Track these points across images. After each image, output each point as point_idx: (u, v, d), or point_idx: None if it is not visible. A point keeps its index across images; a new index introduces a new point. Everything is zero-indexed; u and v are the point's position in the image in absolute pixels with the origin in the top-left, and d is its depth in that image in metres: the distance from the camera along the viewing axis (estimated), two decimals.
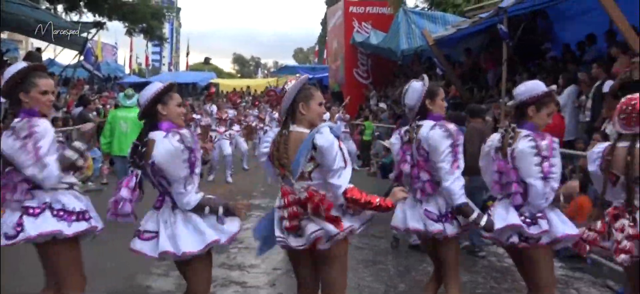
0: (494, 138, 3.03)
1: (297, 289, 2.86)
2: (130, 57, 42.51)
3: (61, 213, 2.65)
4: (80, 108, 10.70)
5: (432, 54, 12.76)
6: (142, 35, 21.14)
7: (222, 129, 10.20)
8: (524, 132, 2.88)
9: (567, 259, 5.16)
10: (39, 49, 13.83)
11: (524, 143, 2.82)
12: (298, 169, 2.57)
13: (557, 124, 6.80)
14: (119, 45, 40.77)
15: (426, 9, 15.84)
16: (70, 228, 2.65)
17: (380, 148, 11.22)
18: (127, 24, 18.04)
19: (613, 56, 7.26)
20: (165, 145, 2.58)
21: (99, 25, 14.07)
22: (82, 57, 12.30)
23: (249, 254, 5.16)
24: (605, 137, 5.95)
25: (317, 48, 45.04)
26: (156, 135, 2.65)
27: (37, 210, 2.60)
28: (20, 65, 2.81)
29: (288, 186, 2.62)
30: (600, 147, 3.05)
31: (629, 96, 2.96)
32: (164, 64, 54.52)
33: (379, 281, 4.48)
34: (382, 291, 4.27)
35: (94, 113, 11.16)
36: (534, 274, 2.93)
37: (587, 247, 2.98)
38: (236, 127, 10.92)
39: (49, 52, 15.29)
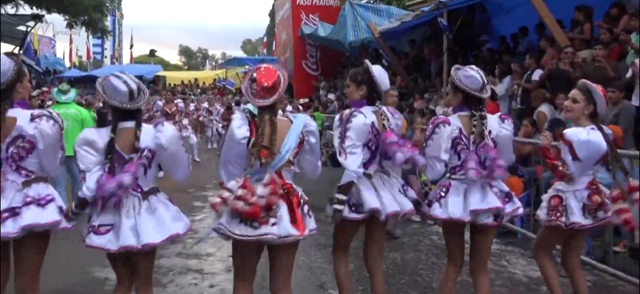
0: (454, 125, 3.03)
1: (237, 278, 2.78)
2: (70, 50, 40.82)
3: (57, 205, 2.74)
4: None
5: (378, 46, 13.18)
6: (83, 28, 20.41)
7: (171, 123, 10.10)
8: (496, 116, 3.11)
9: (500, 235, 5.64)
10: None
11: (509, 127, 3.09)
12: (287, 155, 2.67)
13: (492, 112, 7.30)
14: (58, 37, 39.07)
15: (371, 2, 16.22)
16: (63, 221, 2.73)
17: (330, 138, 11.52)
18: (67, 17, 17.39)
19: (542, 48, 7.85)
20: (174, 131, 2.78)
21: (37, 18, 13.61)
22: (21, 51, 11.84)
23: (204, 243, 5.32)
24: (534, 124, 6.50)
25: (265, 39, 44.92)
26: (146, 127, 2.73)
27: (43, 201, 2.67)
28: None
29: (271, 173, 2.60)
30: None
31: None
32: (106, 57, 52.58)
33: (330, 262, 4.74)
34: (331, 271, 4.53)
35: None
36: (488, 250, 3.17)
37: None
38: (185, 121, 10.92)
39: None
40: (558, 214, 3.15)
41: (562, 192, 3.18)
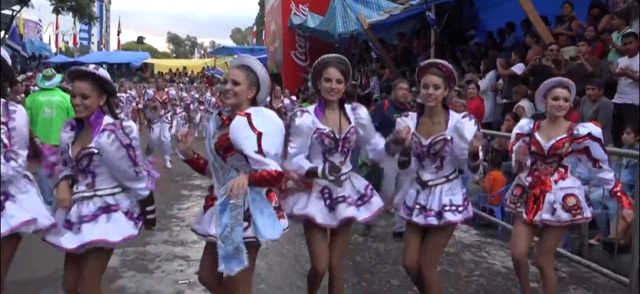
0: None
1: (202, 266, 2.84)
2: (56, 35, 40.29)
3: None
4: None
5: (368, 38, 13.25)
6: (70, 14, 20.16)
7: (162, 112, 9.67)
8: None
9: (481, 227, 5.78)
10: None
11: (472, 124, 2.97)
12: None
13: (477, 106, 7.44)
14: (44, 22, 38.56)
15: None
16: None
17: None
18: (54, 2, 17.21)
19: (528, 44, 7.97)
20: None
21: (23, 2, 13.46)
22: (7, 36, 11.70)
23: (190, 231, 5.36)
24: (516, 118, 6.62)
25: (255, 29, 44.65)
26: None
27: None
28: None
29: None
30: None
31: None
32: (93, 43, 52.01)
33: None
34: None
35: (22, 95, 10.74)
36: (443, 245, 3.18)
37: None
38: (178, 110, 10.70)
39: None
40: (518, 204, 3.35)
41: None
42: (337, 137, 2.95)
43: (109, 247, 2.70)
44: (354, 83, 14.10)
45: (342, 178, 2.98)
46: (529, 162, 3.29)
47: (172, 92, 10.19)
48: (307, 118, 2.92)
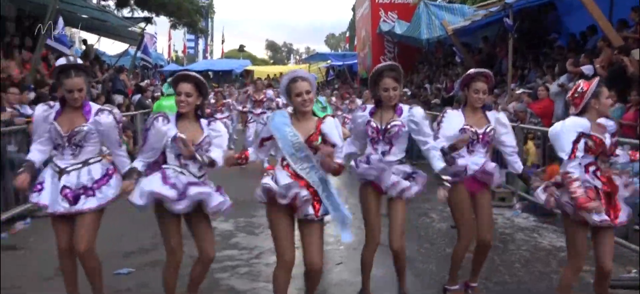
0: None
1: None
2: (169, 46, 44.64)
3: None
4: (138, 96, 12.35)
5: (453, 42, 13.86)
6: (185, 28, 22.79)
7: (258, 111, 10.22)
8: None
9: (541, 215, 6.37)
10: (85, 41, 15.53)
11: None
12: None
13: (546, 106, 7.96)
14: (158, 34, 42.88)
15: (446, 1, 16.87)
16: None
17: None
18: (172, 19, 19.79)
19: (599, 48, 8.29)
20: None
21: (147, 21, 15.74)
22: (140, 51, 13.86)
23: None
24: None
25: (348, 34, 46.05)
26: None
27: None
28: (59, 62, 3.41)
29: None
30: None
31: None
32: (198, 52, 56.36)
33: None
34: None
35: (149, 100, 12.76)
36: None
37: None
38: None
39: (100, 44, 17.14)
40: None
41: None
42: (380, 127, 3.59)
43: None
44: (439, 87, 14.78)
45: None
46: (582, 161, 3.20)
47: (269, 92, 10.72)
48: (360, 114, 3.74)
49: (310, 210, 3.14)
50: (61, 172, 3.34)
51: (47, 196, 3.32)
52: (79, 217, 3.31)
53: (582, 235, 3.27)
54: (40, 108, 3.38)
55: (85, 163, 3.37)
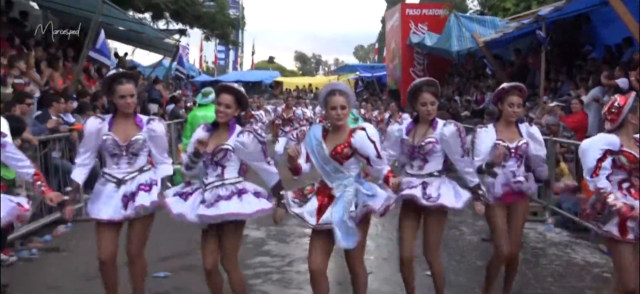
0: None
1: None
2: (201, 57, 45.51)
3: None
4: (172, 105, 12.70)
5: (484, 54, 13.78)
6: (216, 40, 23.30)
7: (288, 128, 10.21)
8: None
9: (575, 230, 6.28)
10: (116, 54, 15.98)
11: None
12: None
13: (580, 120, 7.85)
14: (190, 45, 43.74)
15: (477, 13, 16.79)
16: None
17: None
18: (205, 31, 20.29)
19: (636, 61, 8.16)
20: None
21: (182, 33, 16.20)
22: (175, 62, 14.24)
23: None
24: None
25: (377, 45, 46.09)
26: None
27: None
28: (110, 73, 3.57)
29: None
30: None
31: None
32: (229, 63, 57.18)
33: None
34: None
35: (183, 110, 13.09)
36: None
37: None
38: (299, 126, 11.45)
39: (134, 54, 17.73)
40: None
41: None
42: (413, 144, 3.61)
43: (242, 219, 3.32)
44: (469, 99, 14.70)
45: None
46: (613, 178, 3.17)
47: (299, 111, 10.70)
48: (396, 128, 3.75)
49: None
50: (119, 182, 3.45)
51: (108, 210, 3.41)
52: (132, 221, 3.46)
53: (627, 250, 3.15)
54: (92, 122, 3.52)
55: (141, 170, 3.52)
